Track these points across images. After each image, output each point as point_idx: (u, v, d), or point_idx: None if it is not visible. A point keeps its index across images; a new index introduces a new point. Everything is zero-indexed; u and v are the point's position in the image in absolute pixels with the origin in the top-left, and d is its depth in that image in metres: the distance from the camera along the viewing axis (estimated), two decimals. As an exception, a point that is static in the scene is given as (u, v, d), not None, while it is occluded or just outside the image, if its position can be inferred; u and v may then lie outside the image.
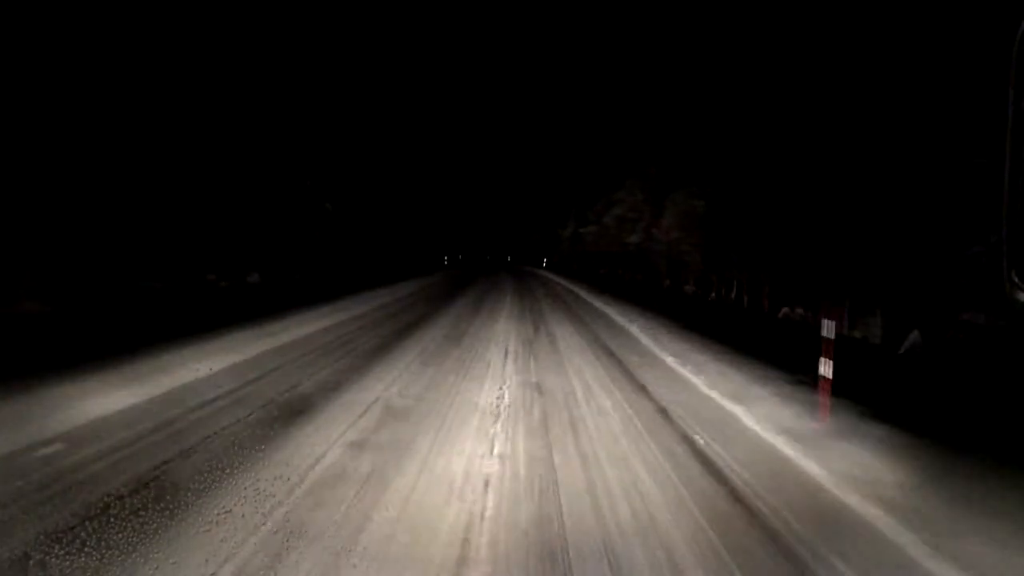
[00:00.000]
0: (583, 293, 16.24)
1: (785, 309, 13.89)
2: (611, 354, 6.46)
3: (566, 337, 7.58)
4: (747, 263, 17.62)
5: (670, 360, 6.04)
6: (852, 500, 2.69)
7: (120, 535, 2.12)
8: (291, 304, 10.58)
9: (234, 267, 16.26)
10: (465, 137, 51.81)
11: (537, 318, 9.64)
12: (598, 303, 13.04)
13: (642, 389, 4.83)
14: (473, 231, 63.93)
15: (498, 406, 4.28)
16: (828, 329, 3.38)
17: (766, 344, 7.76)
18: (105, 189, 11.40)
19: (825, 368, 3.45)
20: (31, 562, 1.96)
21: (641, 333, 8.07)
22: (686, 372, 5.47)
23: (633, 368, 5.68)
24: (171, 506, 2.38)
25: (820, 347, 3.65)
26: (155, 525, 2.21)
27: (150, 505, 2.37)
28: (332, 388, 4.62)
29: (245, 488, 2.59)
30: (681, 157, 23.14)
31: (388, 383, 4.88)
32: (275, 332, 7.19)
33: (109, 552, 1.99)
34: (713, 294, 18.80)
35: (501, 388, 4.82)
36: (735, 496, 2.72)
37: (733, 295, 18.06)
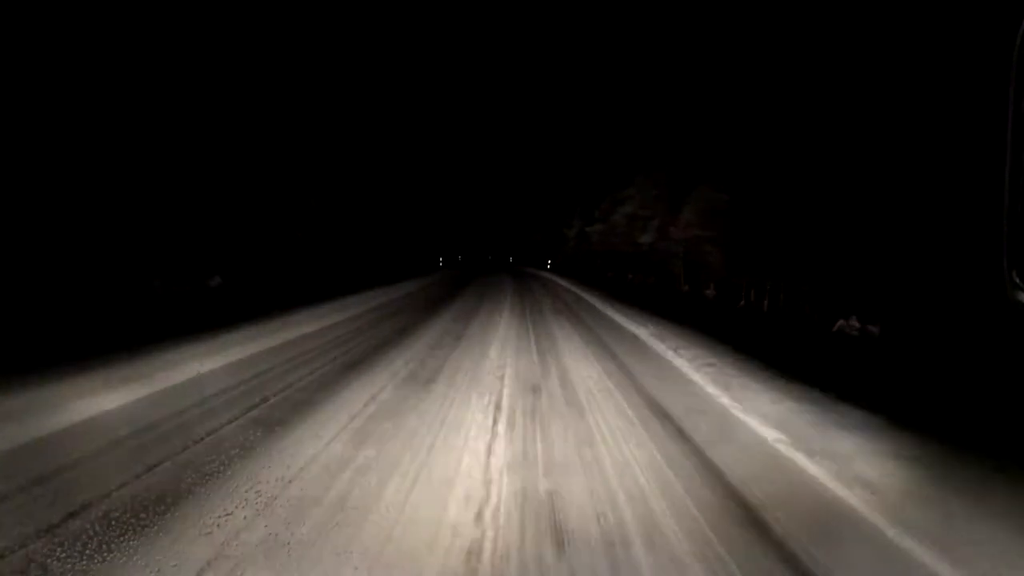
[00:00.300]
0: (595, 301, 13.86)
1: (841, 321, 11.54)
2: (664, 413, 4.11)
3: (589, 379, 5.21)
4: (780, 265, 15.31)
5: (769, 435, 3.65)
6: None
7: None
8: (239, 316, 8.29)
9: (193, 269, 13.97)
10: (465, 133, 49.44)
11: (543, 340, 7.28)
12: (618, 316, 10.68)
13: (756, 524, 2.47)
14: (474, 230, 61.60)
15: (468, 590, 1.94)
16: None
17: (865, 383, 5.40)
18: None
19: None
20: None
21: (694, 370, 5.69)
22: (817, 469, 3.09)
23: (712, 452, 3.32)
24: None
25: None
26: None
27: None
28: (159, 508, 2.30)
29: None
30: (700, 147, 20.82)
31: (274, 492, 2.56)
32: (164, 368, 4.87)
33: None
34: (742, 301, 16.40)
35: (479, 514, 2.48)
36: None
37: (766, 302, 15.68)
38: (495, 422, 3.80)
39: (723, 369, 5.58)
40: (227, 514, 2.40)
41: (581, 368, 5.59)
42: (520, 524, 2.42)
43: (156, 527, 2.26)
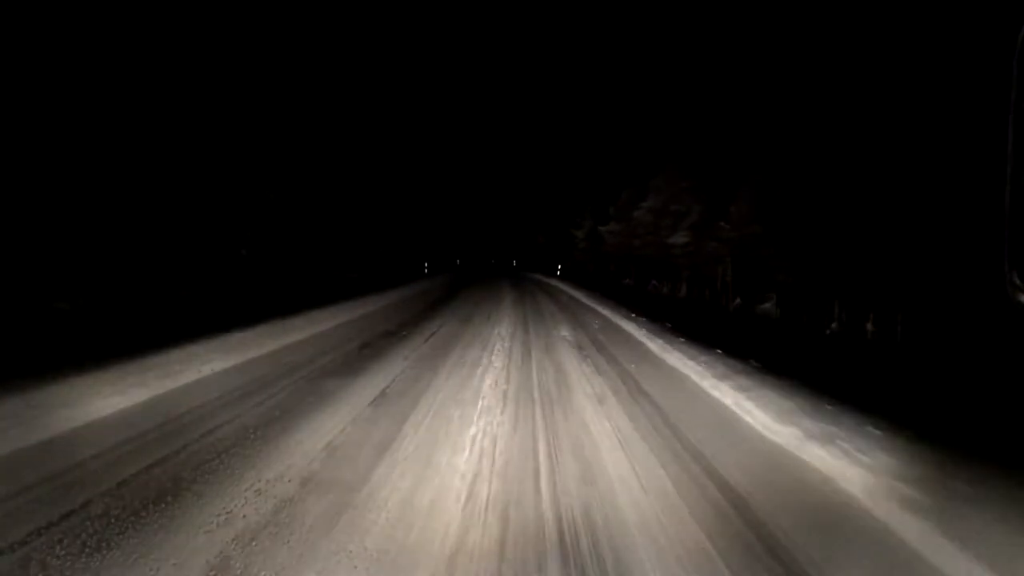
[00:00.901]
0: (638, 333, 9.26)
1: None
2: None
3: None
4: (886, 274, 10.85)
5: None
6: None
7: None
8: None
9: (41, 286, 9.58)
10: (462, 126, 45.07)
11: (571, 470, 2.85)
12: (698, 373, 6.15)
13: None
14: (474, 231, 57.21)
15: None
16: None
17: None
18: None
19: None
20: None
21: None
22: None
23: None
24: None
25: None
26: None
27: None
28: None
29: None
30: (750, 126, 16.38)
31: None
32: None
33: None
34: (834, 323, 11.89)
35: None
36: None
37: (869, 326, 11.16)
38: None
39: None
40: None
41: None
42: None
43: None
